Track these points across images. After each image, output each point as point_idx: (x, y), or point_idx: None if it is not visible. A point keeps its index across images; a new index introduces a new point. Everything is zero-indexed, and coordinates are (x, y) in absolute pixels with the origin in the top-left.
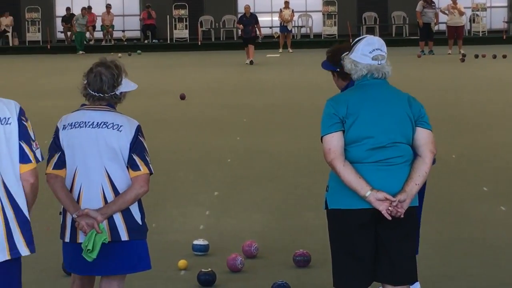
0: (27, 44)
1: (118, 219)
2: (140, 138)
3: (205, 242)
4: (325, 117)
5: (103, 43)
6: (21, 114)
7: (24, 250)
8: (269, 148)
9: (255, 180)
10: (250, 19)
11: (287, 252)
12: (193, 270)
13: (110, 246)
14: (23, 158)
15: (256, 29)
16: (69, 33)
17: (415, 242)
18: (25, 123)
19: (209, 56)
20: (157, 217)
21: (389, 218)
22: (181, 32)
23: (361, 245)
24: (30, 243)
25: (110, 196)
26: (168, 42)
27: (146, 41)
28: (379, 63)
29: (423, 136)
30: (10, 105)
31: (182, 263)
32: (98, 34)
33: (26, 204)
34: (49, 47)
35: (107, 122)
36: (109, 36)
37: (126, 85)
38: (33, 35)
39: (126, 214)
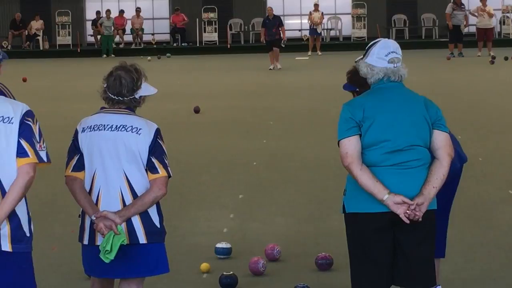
0: (57, 48)
1: (137, 222)
2: (159, 141)
3: (228, 245)
4: (342, 121)
5: (133, 46)
6: (27, 115)
7: (6, 246)
8: (295, 151)
9: (280, 183)
10: (273, 21)
11: (309, 255)
12: (215, 273)
13: (128, 249)
14: (21, 153)
15: (280, 31)
16: (98, 37)
17: (433, 246)
18: (29, 123)
19: (238, 59)
20: (181, 220)
21: (407, 221)
22: (211, 35)
23: (379, 248)
24: (16, 240)
25: (129, 199)
26: (198, 45)
27: (175, 44)
28: (395, 66)
29: (440, 139)
30: (17, 107)
31: (204, 266)
32: (128, 38)
33: (17, 201)
34: (79, 51)
35: (126, 125)
36: (139, 39)
37: (146, 89)
38: (63, 38)
39: (145, 217)
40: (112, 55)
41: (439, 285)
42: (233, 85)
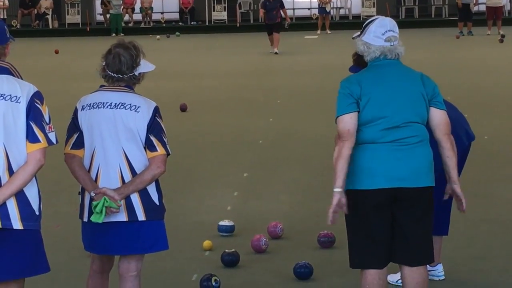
0: (66, 27)
1: (135, 199)
2: (158, 119)
3: (231, 223)
4: (341, 97)
5: (142, 25)
6: (36, 97)
7: (17, 224)
8: (302, 129)
9: (285, 162)
10: (274, 3)
11: (312, 233)
12: (217, 251)
13: (128, 226)
14: (32, 138)
15: (282, 13)
16: (108, 15)
17: (431, 223)
18: (38, 105)
19: (247, 38)
20: (185, 198)
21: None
22: (220, 14)
23: (377, 225)
24: (26, 219)
25: (128, 176)
26: (207, 24)
27: (181, 23)
28: (392, 44)
29: (436, 116)
30: (25, 87)
31: (207, 243)
32: (137, 16)
33: (23, 186)
34: (88, 30)
35: (125, 103)
36: (148, 18)
37: (145, 66)
38: (73, 17)
39: (143, 194)
40: (121, 34)
41: (440, 263)
42: (242, 64)
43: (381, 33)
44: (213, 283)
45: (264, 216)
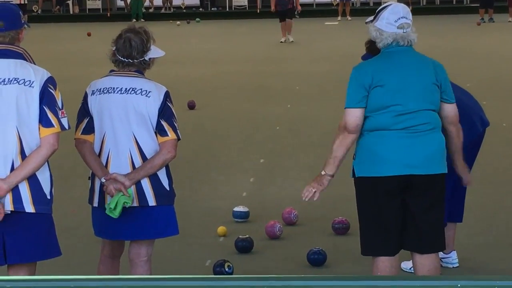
0: (87, 12)
1: (146, 184)
2: (169, 104)
3: (246, 209)
4: (353, 88)
5: (162, 10)
6: (49, 82)
7: (29, 208)
8: (319, 115)
9: (302, 148)
10: None
11: (326, 219)
12: (231, 237)
13: (138, 212)
14: (45, 122)
15: (294, 0)
16: (128, 1)
17: (443, 210)
18: (52, 91)
19: (267, 24)
20: (201, 184)
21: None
22: (240, 0)
23: (389, 213)
24: (38, 202)
25: (138, 161)
26: (227, 10)
27: (201, 9)
28: (405, 31)
29: (445, 109)
30: (38, 72)
31: (221, 229)
32: (158, 2)
33: (36, 170)
34: (108, 15)
35: (136, 88)
36: (168, 4)
37: (155, 52)
38: (93, 3)
39: (154, 179)
40: (142, 20)
41: (454, 250)
42: (261, 50)
43: (393, 20)
44: (226, 269)
45: (279, 202)
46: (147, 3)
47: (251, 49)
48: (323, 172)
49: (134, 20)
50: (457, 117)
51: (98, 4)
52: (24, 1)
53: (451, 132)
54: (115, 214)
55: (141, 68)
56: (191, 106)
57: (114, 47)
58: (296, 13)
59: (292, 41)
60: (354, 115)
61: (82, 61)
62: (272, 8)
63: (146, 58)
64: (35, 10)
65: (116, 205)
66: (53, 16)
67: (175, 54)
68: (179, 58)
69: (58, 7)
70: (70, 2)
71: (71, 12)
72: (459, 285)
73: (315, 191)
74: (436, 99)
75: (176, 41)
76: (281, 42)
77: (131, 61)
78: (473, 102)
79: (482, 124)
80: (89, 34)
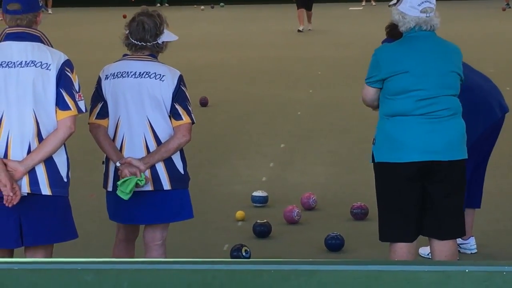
0: None
1: (161, 168)
2: (182, 87)
3: (264, 194)
4: (372, 68)
5: None
6: (66, 65)
7: (45, 190)
8: (341, 101)
9: (323, 133)
10: None
11: (345, 205)
12: (250, 221)
13: (153, 196)
14: (62, 105)
15: None
16: None
17: (462, 196)
18: (69, 74)
19: (291, 9)
20: (221, 168)
21: None
22: None
23: (408, 198)
24: (54, 185)
25: (153, 145)
26: None
27: None
28: (428, 15)
29: None
30: (55, 55)
31: (239, 214)
32: None
33: (53, 152)
34: (133, 0)
35: (150, 72)
36: None
37: (168, 36)
38: None
39: (168, 163)
40: (166, 4)
41: (473, 236)
42: (284, 35)
43: (417, 3)
44: (244, 253)
45: (298, 187)
46: None
47: (274, 34)
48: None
49: (158, 5)
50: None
51: None
52: None
53: None
54: (128, 196)
55: (154, 51)
56: (204, 103)
57: (127, 31)
58: None
59: (311, 29)
60: (369, 93)
61: (105, 44)
62: None
63: (159, 41)
64: None
65: (129, 187)
66: (77, 0)
67: (198, 39)
68: (202, 42)
69: None
70: None
71: None
72: (466, 270)
73: None
74: (456, 84)
75: (200, 26)
76: (299, 30)
77: (144, 44)
78: (491, 86)
79: (501, 109)
80: (124, 16)
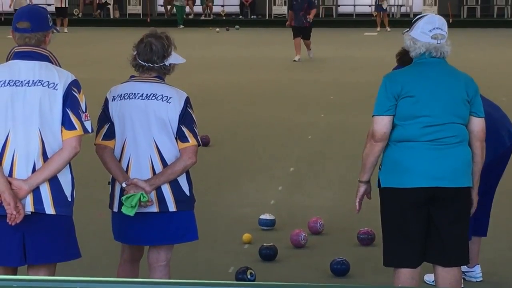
0: (127, 17)
1: (166, 190)
2: (189, 109)
3: (272, 217)
4: (382, 96)
5: (202, 17)
6: (73, 85)
7: (49, 209)
8: (352, 126)
9: (333, 157)
10: (301, 3)
11: (352, 230)
12: (256, 244)
13: (158, 217)
14: (68, 125)
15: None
16: (169, 7)
17: (467, 224)
18: (76, 94)
19: None
20: (230, 190)
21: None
22: (280, 8)
23: (413, 224)
24: (58, 204)
25: (159, 167)
26: (267, 18)
27: (241, 17)
28: (438, 42)
29: (473, 123)
30: (62, 74)
31: (246, 236)
32: (197, 9)
33: (57, 172)
34: (148, 20)
35: (157, 94)
36: (208, 11)
37: (176, 58)
38: (134, 8)
39: (174, 185)
40: (181, 26)
41: (478, 264)
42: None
43: (428, 29)
44: (249, 276)
45: (306, 211)
46: (187, 10)
47: (289, 57)
48: (360, 181)
49: (182, 26)
50: (484, 133)
51: (138, 9)
52: (65, 5)
53: (475, 149)
54: (133, 211)
55: (161, 73)
56: (205, 142)
57: (135, 52)
58: (306, 20)
59: (312, 57)
60: (381, 123)
61: (120, 64)
62: (287, 23)
63: (167, 63)
64: (75, 14)
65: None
66: (94, 20)
67: (211, 60)
68: (216, 64)
69: (98, 11)
70: (110, 7)
71: (111, 17)
72: None
73: (360, 201)
74: (465, 114)
75: (214, 48)
76: (294, 61)
77: (151, 65)
78: (501, 114)
79: (510, 138)
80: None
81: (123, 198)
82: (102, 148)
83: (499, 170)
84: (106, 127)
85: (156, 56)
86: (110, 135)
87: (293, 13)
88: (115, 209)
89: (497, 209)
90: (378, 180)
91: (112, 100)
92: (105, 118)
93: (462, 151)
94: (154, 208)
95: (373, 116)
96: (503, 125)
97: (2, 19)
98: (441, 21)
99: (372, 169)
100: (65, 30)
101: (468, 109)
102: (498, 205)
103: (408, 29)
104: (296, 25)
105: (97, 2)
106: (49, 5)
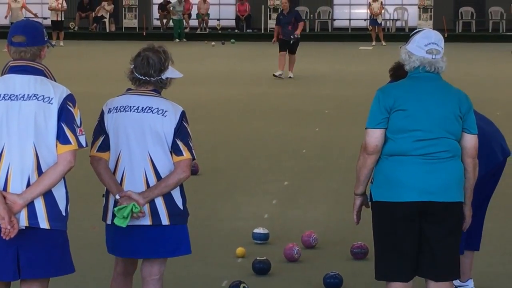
0: (123, 30)
1: (160, 203)
2: (184, 123)
3: (265, 231)
4: (375, 109)
5: (198, 31)
6: (68, 99)
7: (44, 224)
8: (347, 140)
9: (327, 172)
10: (288, 17)
11: (346, 244)
12: (250, 258)
13: (151, 230)
14: (63, 139)
15: (298, 29)
16: (164, 21)
17: (459, 239)
18: (71, 108)
19: (302, 47)
20: (223, 204)
21: None
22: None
23: (404, 238)
24: (53, 219)
25: (153, 180)
26: (262, 32)
27: (237, 30)
28: (433, 57)
29: (466, 140)
30: (58, 88)
31: (240, 250)
32: (193, 23)
33: (52, 186)
34: (144, 34)
35: (152, 107)
36: (204, 25)
37: (172, 72)
38: (130, 21)
39: (168, 198)
40: (184, 40)
41: (471, 279)
42: (294, 72)
43: (424, 44)
44: None
45: (300, 225)
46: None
47: (284, 71)
48: (355, 194)
49: (177, 40)
50: (476, 150)
51: (134, 23)
52: (61, 18)
53: (467, 165)
54: (125, 223)
55: (157, 87)
56: (194, 171)
57: (132, 65)
58: (293, 36)
59: (291, 77)
60: (373, 136)
61: (116, 77)
62: (273, 40)
63: (163, 77)
64: (71, 27)
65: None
66: (90, 33)
67: (206, 74)
68: (212, 77)
69: (95, 24)
70: (106, 20)
71: (107, 30)
72: None
73: (357, 213)
74: (457, 130)
75: (210, 62)
76: (274, 75)
77: (148, 79)
78: (494, 129)
79: (502, 153)
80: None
81: (115, 209)
82: (96, 160)
83: (491, 184)
84: (101, 139)
85: (153, 69)
86: (105, 147)
87: (281, 27)
88: (109, 221)
89: (490, 223)
90: (370, 194)
91: (108, 112)
92: (100, 130)
93: (454, 166)
94: (147, 221)
95: (365, 128)
96: (496, 139)
97: None
98: (438, 37)
99: (366, 182)
100: (61, 44)
101: (460, 125)
102: (491, 219)
103: (405, 43)
104: (284, 39)
105: (93, 15)
106: (45, 18)
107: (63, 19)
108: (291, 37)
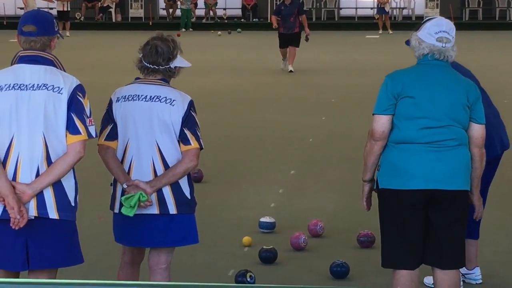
0: (129, 20)
1: (167, 192)
2: (192, 113)
3: (272, 220)
4: (382, 95)
5: (204, 20)
6: (78, 89)
7: (53, 214)
8: (353, 129)
9: (334, 161)
10: (291, 8)
11: (352, 232)
12: (256, 247)
13: (158, 219)
14: (73, 129)
15: (301, 22)
16: (171, 10)
17: (465, 227)
18: (80, 98)
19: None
20: (230, 194)
21: None
22: None
23: (411, 226)
24: (62, 209)
25: (160, 169)
26: (268, 21)
27: (243, 20)
28: (443, 45)
29: (473, 129)
30: (67, 79)
31: (246, 239)
32: (199, 12)
33: (61, 176)
34: (150, 24)
35: (160, 96)
36: (212, 14)
37: (181, 61)
38: (136, 11)
39: (175, 188)
40: (190, 29)
41: (478, 266)
42: (300, 62)
43: (434, 31)
44: (248, 279)
45: (306, 214)
46: None
47: None
48: (363, 180)
49: (183, 29)
50: (483, 140)
51: (140, 13)
52: (67, 8)
53: (474, 155)
54: (132, 212)
55: (166, 76)
56: (198, 178)
57: (141, 54)
58: (306, 39)
59: (291, 71)
60: (380, 122)
61: (122, 68)
62: (274, 25)
63: (172, 65)
64: (77, 18)
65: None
66: (96, 23)
67: (212, 64)
68: (218, 67)
69: (100, 14)
70: (112, 10)
71: (113, 20)
72: None
73: (367, 199)
74: (464, 119)
75: (216, 51)
76: (282, 68)
77: (157, 67)
78: (497, 121)
79: (501, 146)
80: (178, 35)
81: (123, 198)
82: (104, 149)
83: (488, 175)
84: (109, 127)
85: (161, 58)
86: (113, 135)
87: (282, 20)
88: (116, 210)
89: (497, 211)
90: (376, 182)
91: (116, 101)
92: (108, 118)
93: (461, 154)
94: (155, 210)
95: (372, 114)
96: (497, 131)
97: (5, 23)
98: (449, 25)
99: (374, 168)
100: (67, 34)
101: (467, 115)
102: (498, 207)
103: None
104: (285, 33)
105: (99, 5)
106: (51, 8)
107: (69, 9)
108: (305, 40)
